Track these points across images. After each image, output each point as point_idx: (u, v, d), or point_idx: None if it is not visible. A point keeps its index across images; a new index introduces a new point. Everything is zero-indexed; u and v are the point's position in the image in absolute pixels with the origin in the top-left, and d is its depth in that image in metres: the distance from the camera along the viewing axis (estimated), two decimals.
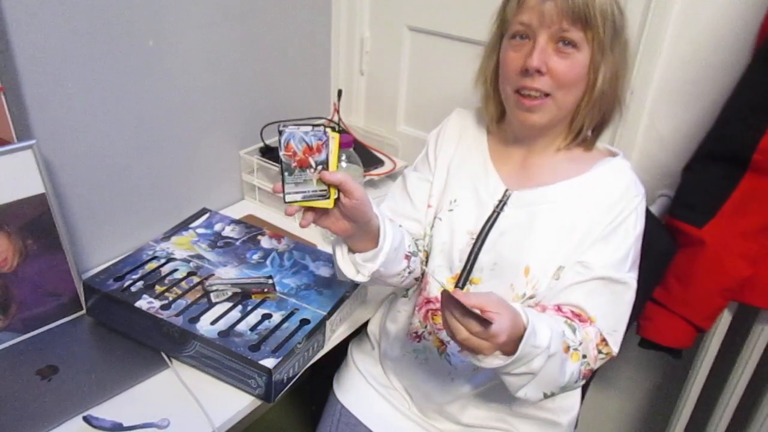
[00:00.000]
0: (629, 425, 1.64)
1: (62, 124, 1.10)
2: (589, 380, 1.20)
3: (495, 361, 0.76)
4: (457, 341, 0.73)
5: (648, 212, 1.14)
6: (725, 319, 1.20)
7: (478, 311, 0.71)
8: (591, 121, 0.93)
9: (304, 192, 0.80)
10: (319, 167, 0.80)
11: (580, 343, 0.84)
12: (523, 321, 0.75)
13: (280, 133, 0.78)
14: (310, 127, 0.79)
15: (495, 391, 1.00)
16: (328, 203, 0.81)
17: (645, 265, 1.01)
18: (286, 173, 0.79)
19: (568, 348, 0.82)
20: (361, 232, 0.86)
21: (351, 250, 0.91)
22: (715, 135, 1.09)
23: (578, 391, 1.10)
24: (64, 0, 1.03)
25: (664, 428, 1.40)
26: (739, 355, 1.23)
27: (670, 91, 1.21)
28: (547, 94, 0.87)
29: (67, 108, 1.10)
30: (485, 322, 0.70)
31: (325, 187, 0.80)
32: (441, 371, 1.00)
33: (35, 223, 1.02)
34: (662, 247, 1.12)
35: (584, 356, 0.85)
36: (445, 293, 0.73)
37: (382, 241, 0.87)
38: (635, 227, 0.90)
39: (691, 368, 1.30)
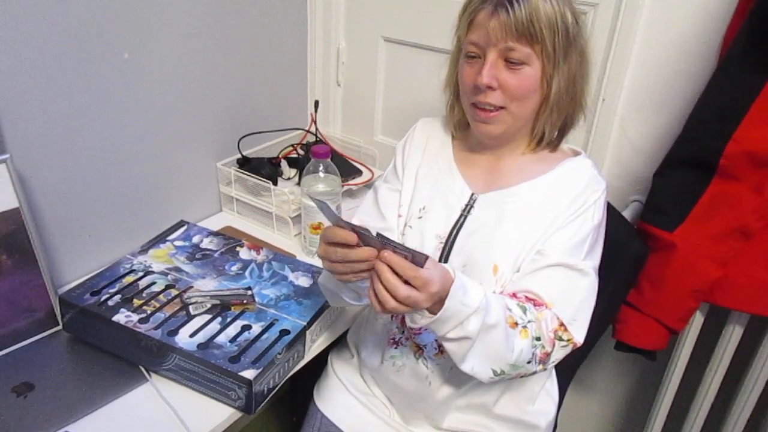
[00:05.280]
0: (608, 426, 1.66)
1: (36, 138, 1.09)
2: (567, 382, 1.21)
3: (425, 319, 0.77)
4: (398, 301, 0.74)
5: (621, 217, 1.17)
6: (698, 320, 1.23)
7: (408, 252, 0.73)
8: (552, 127, 0.95)
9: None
10: None
11: (530, 322, 0.85)
12: (451, 276, 0.76)
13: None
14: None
15: (474, 394, 1.01)
16: None
17: (618, 269, 1.04)
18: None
19: (515, 324, 0.83)
20: None
21: None
22: (683, 141, 1.12)
23: (556, 395, 1.12)
24: (37, 12, 1.03)
25: (642, 428, 1.43)
26: (712, 356, 1.26)
27: (639, 99, 1.24)
28: (500, 107, 0.90)
29: (41, 121, 1.09)
30: (416, 262, 0.73)
31: None
32: (419, 376, 1.01)
33: (9, 238, 1.01)
34: (635, 252, 1.14)
35: (537, 338, 0.85)
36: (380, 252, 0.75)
37: None
38: (593, 218, 0.92)
39: (667, 369, 1.32)
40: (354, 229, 0.77)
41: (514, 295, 0.90)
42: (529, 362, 0.85)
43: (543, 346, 0.86)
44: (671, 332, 1.20)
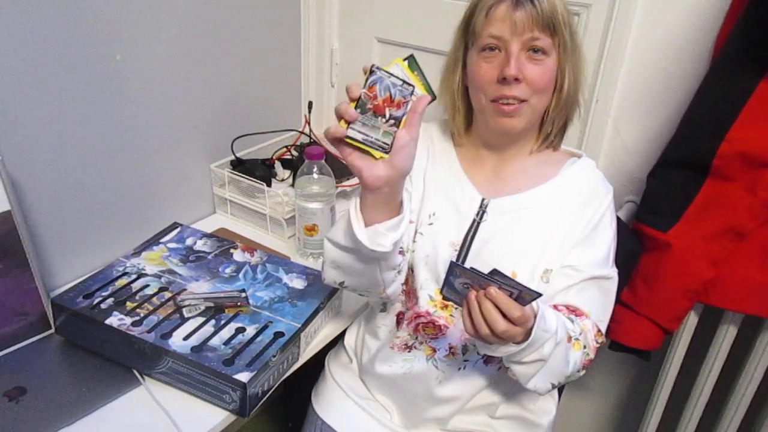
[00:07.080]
0: (603, 425, 1.66)
1: (28, 140, 1.08)
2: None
3: (509, 348, 0.79)
4: (497, 334, 0.76)
5: (616, 217, 1.17)
6: (692, 320, 1.24)
7: (520, 288, 0.75)
8: (558, 123, 0.97)
9: (367, 136, 0.78)
10: (391, 121, 0.78)
11: (580, 333, 0.89)
12: (533, 307, 0.79)
13: (371, 72, 0.77)
14: (400, 81, 0.78)
15: (481, 395, 1.02)
16: (383, 154, 0.79)
17: None
18: (358, 109, 0.78)
19: (570, 338, 0.87)
20: (385, 199, 0.82)
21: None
22: (676, 142, 1.13)
23: (556, 393, 1.12)
24: (28, 13, 1.02)
25: (637, 428, 1.43)
26: (706, 355, 1.26)
27: (633, 99, 1.25)
28: (523, 100, 0.90)
29: (32, 123, 1.08)
30: (521, 299, 0.75)
31: (389, 141, 0.79)
32: (428, 378, 1.00)
33: (1, 241, 1.00)
34: (629, 252, 1.14)
35: (585, 346, 0.89)
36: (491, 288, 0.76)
37: (407, 208, 0.84)
38: (611, 224, 0.96)
39: (661, 369, 1.33)
40: (465, 267, 0.77)
41: (555, 308, 0.92)
42: (578, 371, 0.90)
43: (587, 354, 0.90)
44: (665, 332, 1.20)
